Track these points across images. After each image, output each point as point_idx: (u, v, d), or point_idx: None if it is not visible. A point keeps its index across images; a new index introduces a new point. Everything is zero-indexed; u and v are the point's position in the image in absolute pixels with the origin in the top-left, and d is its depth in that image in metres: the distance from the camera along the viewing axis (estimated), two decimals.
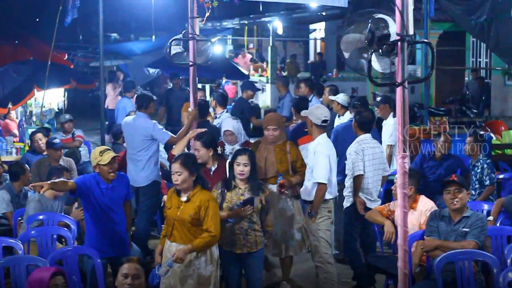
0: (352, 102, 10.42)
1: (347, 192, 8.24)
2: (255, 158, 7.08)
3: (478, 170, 9.55)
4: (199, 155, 7.52)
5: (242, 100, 13.42)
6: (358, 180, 8.04)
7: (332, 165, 7.65)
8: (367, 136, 8.27)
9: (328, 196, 7.67)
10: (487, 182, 9.44)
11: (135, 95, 12.70)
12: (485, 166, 9.50)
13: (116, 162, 7.27)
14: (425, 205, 7.44)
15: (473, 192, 9.44)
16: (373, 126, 8.56)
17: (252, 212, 6.81)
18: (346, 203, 8.23)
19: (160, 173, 9.60)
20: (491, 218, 8.06)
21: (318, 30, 31.82)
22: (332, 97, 11.21)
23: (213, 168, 7.67)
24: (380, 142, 10.24)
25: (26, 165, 9.38)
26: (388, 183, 9.04)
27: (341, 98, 10.96)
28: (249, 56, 26.82)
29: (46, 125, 14.33)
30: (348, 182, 8.21)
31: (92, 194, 7.05)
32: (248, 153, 6.96)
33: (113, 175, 7.15)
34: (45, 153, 10.45)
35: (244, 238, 6.88)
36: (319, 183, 7.55)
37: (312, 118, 7.75)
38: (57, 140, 10.32)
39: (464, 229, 6.69)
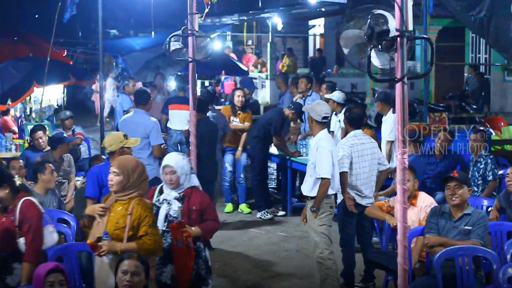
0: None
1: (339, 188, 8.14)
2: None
3: (481, 166, 9.45)
4: None
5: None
6: (343, 177, 7.96)
7: (334, 160, 7.66)
8: (357, 132, 8.26)
9: (330, 191, 7.66)
10: (490, 178, 9.37)
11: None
12: (489, 161, 9.42)
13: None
14: (425, 201, 7.45)
15: (475, 188, 9.37)
16: (365, 122, 8.54)
17: None
18: (338, 200, 8.22)
19: None
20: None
21: (318, 26, 31.84)
22: (327, 95, 11.29)
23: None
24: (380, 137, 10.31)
25: (21, 161, 9.38)
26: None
27: (336, 95, 11.03)
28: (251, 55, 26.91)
29: (46, 122, 14.32)
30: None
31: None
32: None
33: None
34: (45, 150, 10.46)
35: None
36: (322, 178, 7.53)
37: (312, 114, 7.74)
38: (65, 135, 10.69)
39: (466, 227, 6.66)
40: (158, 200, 6.42)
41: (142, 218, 5.74)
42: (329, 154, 7.59)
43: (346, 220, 8.16)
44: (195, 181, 6.52)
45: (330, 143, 7.77)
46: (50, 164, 8.45)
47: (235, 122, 11.64)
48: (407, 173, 7.13)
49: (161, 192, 6.49)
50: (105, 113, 20.37)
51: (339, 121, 10.70)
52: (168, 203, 6.36)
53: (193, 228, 6.30)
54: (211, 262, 8.94)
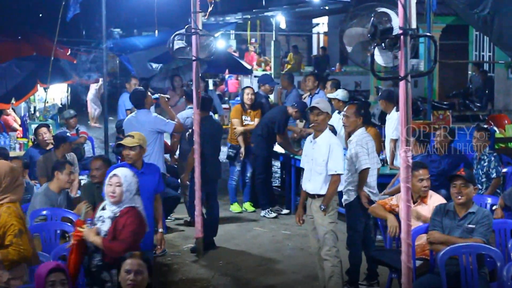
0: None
1: (350, 186, 8.06)
2: None
3: (485, 164, 9.45)
4: None
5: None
6: (365, 173, 7.91)
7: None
8: (362, 129, 8.26)
9: (340, 187, 7.74)
10: (493, 175, 9.38)
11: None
12: (492, 159, 9.42)
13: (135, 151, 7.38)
14: (435, 201, 7.39)
15: (479, 186, 9.35)
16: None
17: None
18: (349, 198, 8.10)
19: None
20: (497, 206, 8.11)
21: (321, 24, 31.83)
22: (330, 95, 11.29)
23: None
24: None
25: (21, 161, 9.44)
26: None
27: (341, 94, 11.05)
28: (253, 53, 26.91)
29: (50, 121, 14.33)
30: (351, 177, 8.03)
31: None
32: None
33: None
34: (48, 147, 10.49)
35: None
36: (333, 175, 7.57)
37: None
38: (68, 134, 10.78)
39: (470, 226, 6.65)
40: (96, 217, 6.07)
41: (8, 226, 5.41)
42: (342, 151, 7.67)
43: (358, 218, 8.08)
44: (137, 202, 6.07)
45: (338, 140, 7.87)
46: (71, 166, 8.45)
47: (247, 122, 11.65)
48: (424, 172, 7.14)
49: (104, 209, 6.09)
50: (95, 114, 20.49)
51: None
52: (102, 221, 5.97)
53: (96, 236, 5.83)
54: (214, 260, 8.98)
